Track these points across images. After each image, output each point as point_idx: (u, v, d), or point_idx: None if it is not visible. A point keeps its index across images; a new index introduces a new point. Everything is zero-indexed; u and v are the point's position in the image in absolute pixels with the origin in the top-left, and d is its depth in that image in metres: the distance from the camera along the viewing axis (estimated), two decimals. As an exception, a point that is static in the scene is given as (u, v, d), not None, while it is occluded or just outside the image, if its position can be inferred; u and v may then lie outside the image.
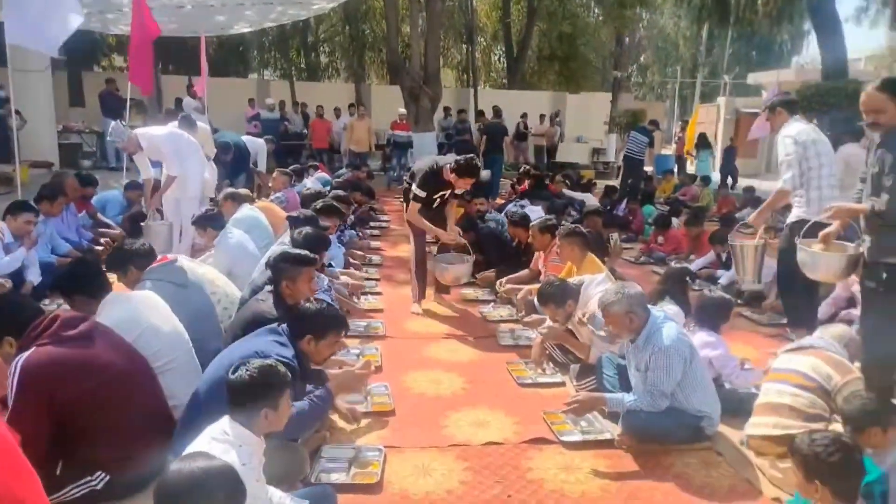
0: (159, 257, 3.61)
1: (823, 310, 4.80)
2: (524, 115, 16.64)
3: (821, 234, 3.44)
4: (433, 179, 4.88)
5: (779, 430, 2.81)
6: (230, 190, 6.00)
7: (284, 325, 2.73)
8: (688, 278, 3.84)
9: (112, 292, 3.01)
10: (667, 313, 3.18)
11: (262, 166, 9.25)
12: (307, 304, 2.77)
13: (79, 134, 13.47)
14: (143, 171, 6.20)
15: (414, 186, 4.88)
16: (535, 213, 6.98)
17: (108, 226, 6.67)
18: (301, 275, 3.25)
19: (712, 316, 3.58)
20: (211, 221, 4.73)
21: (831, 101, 11.15)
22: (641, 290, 3.11)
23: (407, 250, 7.29)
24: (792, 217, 4.26)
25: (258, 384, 2.10)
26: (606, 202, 9.50)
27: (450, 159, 4.91)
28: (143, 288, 3.35)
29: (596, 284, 3.83)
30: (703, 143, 15.01)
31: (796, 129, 4.24)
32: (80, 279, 3.06)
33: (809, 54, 31.96)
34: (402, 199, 5.29)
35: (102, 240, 6.27)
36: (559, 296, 3.82)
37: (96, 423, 2.43)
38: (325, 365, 3.23)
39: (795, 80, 15.69)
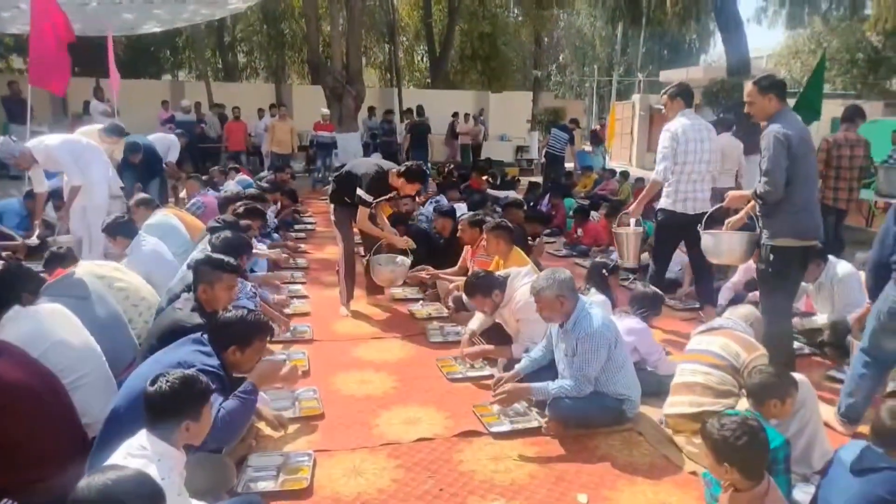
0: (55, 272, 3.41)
1: (724, 294, 5.16)
2: (455, 115, 16.77)
3: (727, 221, 3.74)
4: (379, 184, 4.86)
5: (694, 407, 2.97)
6: (141, 195, 5.74)
7: (205, 335, 2.64)
8: (605, 271, 4.00)
9: (15, 307, 2.81)
10: (593, 301, 3.31)
11: (174, 157, 8.93)
12: (227, 313, 2.68)
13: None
14: (36, 185, 5.83)
15: (360, 191, 4.82)
16: (461, 209, 7.05)
17: (8, 237, 6.24)
18: (220, 280, 3.16)
19: (645, 308, 3.77)
20: (121, 229, 4.50)
21: (735, 97, 11.85)
22: (570, 274, 3.21)
23: (333, 252, 7.25)
24: (660, 204, 4.81)
25: (179, 396, 2.03)
26: (530, 198, 9.72)
27: (392, 164, 4.97)
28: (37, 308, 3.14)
29: (522, 276, 3.93)
30: (596, 139, 15.81)
31: (677, 124, 4.62)
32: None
33: (716, 52, 33.82)
34: (327, 201, 5.20)
35: (4, 253, 5.85)
36: (486, 286, 3.89)
37: (2, 446, 2.28)
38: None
39: (703, 77, 16.53)
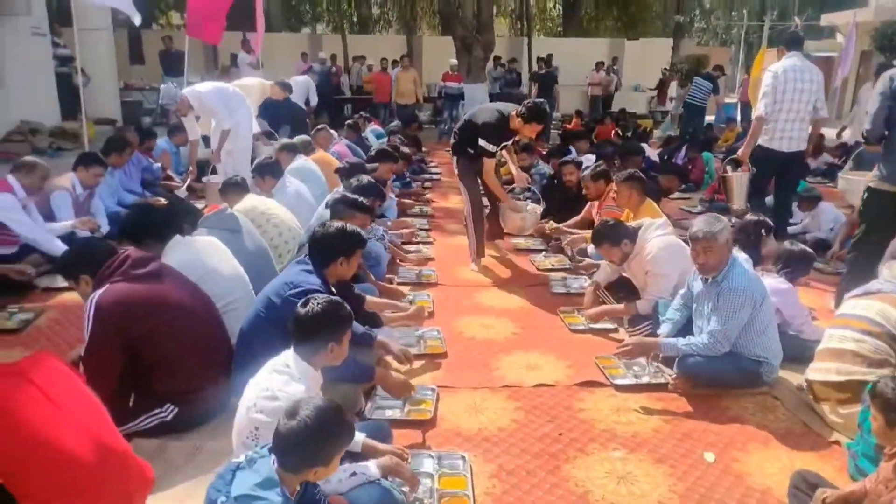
0: (210, 207, 3.72)
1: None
2: (601, 64, 15.95)
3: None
4: (500, 130, 4.66)
5: (842, 375, 2.73)
6: (285, 140, 6.10)
7: (306, 256, 2.80)
8: (763, 231, 3.71)
9: (175, 237, 3.11)
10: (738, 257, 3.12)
11: (313, 102, 10.06)
12: (330, 227, 2.81)
13: (139, 91, 13.88)
14: (190, 132, 6.48)
15: (482, 141, 4.63)
16: (590, 161, 6.82)
17: (169, 177, 6.89)
18: (354, 218, 3.31)
19: (794, 268, 3.50)
20: (269, 170, 4.82)
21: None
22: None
23: (458, 202, 7.34)
24: (758, 141, 5.08)
25: (329, 317, 2.15)
26: (665, 151, 9.18)
27: (511, 107, 4.71)
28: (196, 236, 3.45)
29: (655, 228, 3.75)
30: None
31: (779, 65, 5.02)
32: (144, 224, 3.18)
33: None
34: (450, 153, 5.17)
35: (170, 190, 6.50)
36: (615, 235, 3.76)
37: (166, 357, 2.55)
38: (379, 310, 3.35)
39: (874, 19, 14.55)
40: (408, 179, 7.84)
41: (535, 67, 14.87)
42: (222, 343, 2.84)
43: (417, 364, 3.33)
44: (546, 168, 6.99)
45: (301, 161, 5.61)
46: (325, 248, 2.77)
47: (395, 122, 10.47)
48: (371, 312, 3.33)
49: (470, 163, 4.90)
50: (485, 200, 5.14)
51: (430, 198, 7.68)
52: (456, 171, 5.06)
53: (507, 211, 5.12)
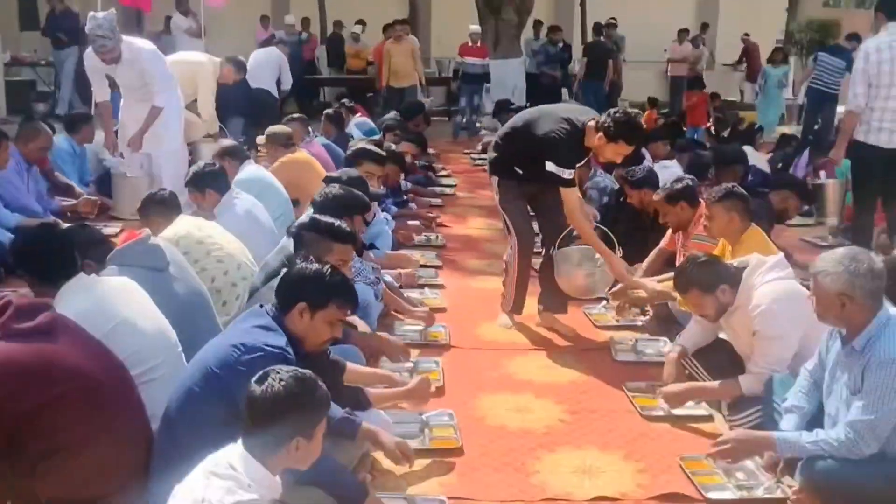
0: (124, 233, 3.75)
1: None
2: (685, 31, 16.10)
3: None
4: (571, 148, 4.55)
5: None
6: (226, 143, 6.20)
7: (269, 305, 2.82)
8: None
9: (77, 276, 3.12)
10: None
11: (287, 84, 10.43)
12: (307, 263, 2.87)
13: (32, 68, 14.14)
14: (97, 92, 6.80)
15: (551, 165, 4.49)
16: (671, 172, 6.82)
17: (68, 189, 6.98)
18: (330, 252, 3.31)
19: None
20: (212, 180, 4.84)
21: None
22: (882, 267, 3.01)
23: (480, 227, 7.36)
24: (854, 135, 5.55)
25: (294, 401, 2.15)
26: (780, 155, 9.19)
27: (584, 113, 4.68)
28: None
29: (767, 269, 3.71)
30: None
31: (871, 43, 5.38)
32: (30, 258, 3.20)
33: None
34: (476, 160, 5.21)
35: (68, 212, 6.59)
36: (706, 278, 3.72)
37: (56, 449, 2.53)
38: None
39: None
40: (406, 195, 7.87)
41: (590, 38, 15.05)
42: (137, 429, 2.83)
43: (420, 464, 3.30)
44: (608, 181, 6.97)
45: (252, 170, 5.69)
46: (294, 296, 2.78)
47: (392, 114, 10.60)
48: (353, 388, 3.31)
49: (519, 188, 4.86)
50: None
51: (442, 221, 7.73)
52: (497, 198, 4.97)
53: (563, 264, 4.82)
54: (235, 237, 4.42)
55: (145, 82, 6.53)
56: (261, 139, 7.14)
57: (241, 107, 8.75)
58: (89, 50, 6.55)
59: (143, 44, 6.72)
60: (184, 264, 3.85)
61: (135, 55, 6.47)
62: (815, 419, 3.23)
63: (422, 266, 6.05)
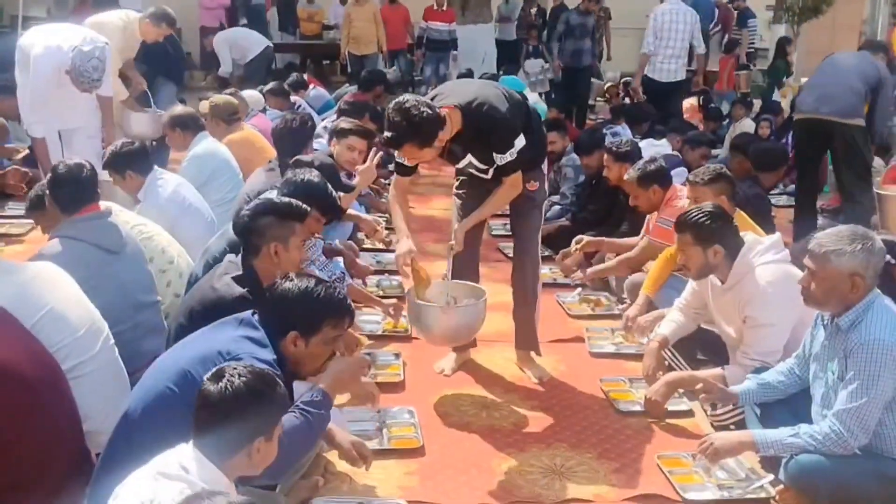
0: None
1: None
2: None
3: None
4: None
5: None
6: (179, 109, 6.04)
7: (257, 316, 2.78)
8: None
9: (-4, 261, 3.09)
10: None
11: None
12: (287, 283, 2.80)
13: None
14: (35, 123, 6.01)
15: (515, 146, 3.97)
16: (659, 151, 6.86)
17: None
18: (294, 235, 3.31)
19: None
20: (134, 161, 4.70)
21: None
22: (882, 246, 3.05)
23: (442, 206, 7.36)
24: None
25: (254, 400, 2.16)
26: (773, 131, 9.31)
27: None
28: (53, 250, 3.48)
29: (764, 251, 3.73)
30: None
31: None
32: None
33: None
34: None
35: None
36: (708, 230, 3.71)
37: None
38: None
39: None
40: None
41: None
42: (69, 428, 2.80)
43: (377, 465, 3.27)
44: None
45: (209, 145, 5.61)
46: (283, 325, 2.73)
47: (351, 87, 10.52)
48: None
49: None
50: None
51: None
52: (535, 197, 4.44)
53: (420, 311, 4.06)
54: (163, 222, 4.38)
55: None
56: (203, 105, 6.82)
57: (171, 69, 8.34)
58: (49, 67, 5.72)
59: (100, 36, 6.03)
60: (139, 248, 3.86)
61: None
62: (797, 407, 3.28)
63: (382, 250, 6.05)
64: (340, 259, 4.99)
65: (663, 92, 9.42)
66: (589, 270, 5.32)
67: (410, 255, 3.98)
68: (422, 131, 3.67)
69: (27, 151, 6.77)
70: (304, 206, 3.45)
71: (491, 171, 4.07)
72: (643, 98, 9.55)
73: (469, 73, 11.92)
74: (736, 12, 14.30)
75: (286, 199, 3.52)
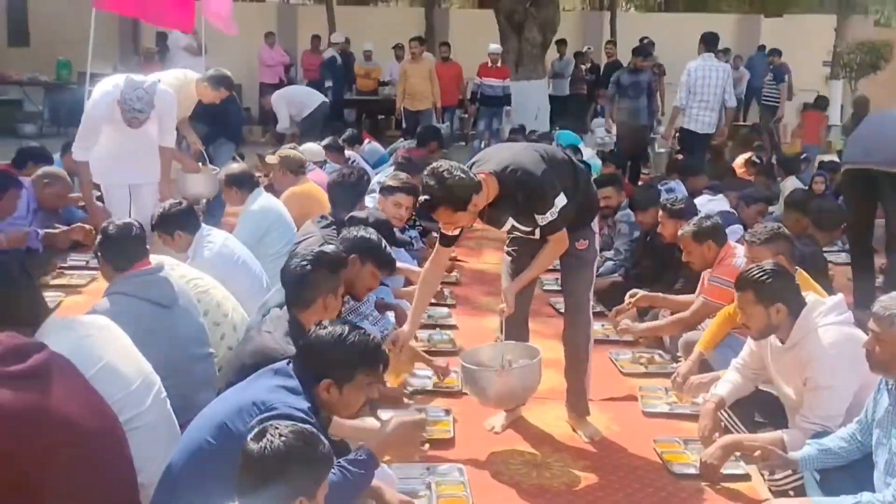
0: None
1: None
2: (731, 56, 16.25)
3: None
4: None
5: None
6: (234, 168, 6.14)
7: (292, 365, 2.80)
8: None
9: (51, 316, 3.09)
10: None
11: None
12: (321, 330, 2.81)
13: (19, 86, 14.36)
14: (80, 149, 6.15)
15: (556, 204, 3.97)
16: (714, 207, 6.81)
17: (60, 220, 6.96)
18: (341, 286, 3.35)
19: None
20: (182, 221, 4.78)
21: None
22: None
23: (495, 261, 7.37)
24: None
25: (296, 459, 2.17)
26: (828, 187, 9.15)
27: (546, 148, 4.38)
28: (105, 306, 3.55)
29: (828, 311, 3.67)
30: None
31: None
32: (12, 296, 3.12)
33: None
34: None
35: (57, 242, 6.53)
36: (771, 288, 3.65)
37: (43, 497, 2.49)
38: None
39: None
40: (417, 223, 7.81)
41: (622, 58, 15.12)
42: (124, 480, 2.81)
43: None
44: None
45: (265, 201, 5.74)
46: (316, 373, 2.74)
47: (405, 142, 10.66)
48: (338, 440, 3.30)
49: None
50: None
51: (455, 255, 7.71)
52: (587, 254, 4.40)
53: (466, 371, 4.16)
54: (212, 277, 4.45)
55: (155, 122, 6.18)
56: (271, 158, 6.99)
57: (231, 129, 8.66)
58: (105, 98, 5.94)
59: (168, 88, 6.27)
60: (193, 300, 3.94)
61: (160, 105, 6.07)
62: (859, 474, 3.21)
63: (433, 304, 6.05)
64: (392, 314, 5.00)
65: (700, 142, 9.95)
66: (641, 326, 5.27)
67: (401, 342, 4.05)
68: (455, 195, 3.73)
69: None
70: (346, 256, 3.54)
71: (537, 232, 4.09)
72: (677, 147, 10.41)
73: (521, 129, 12.08)
74: (771, 67, 14.44)
75: (336, 251, 3.59)
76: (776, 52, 15.00)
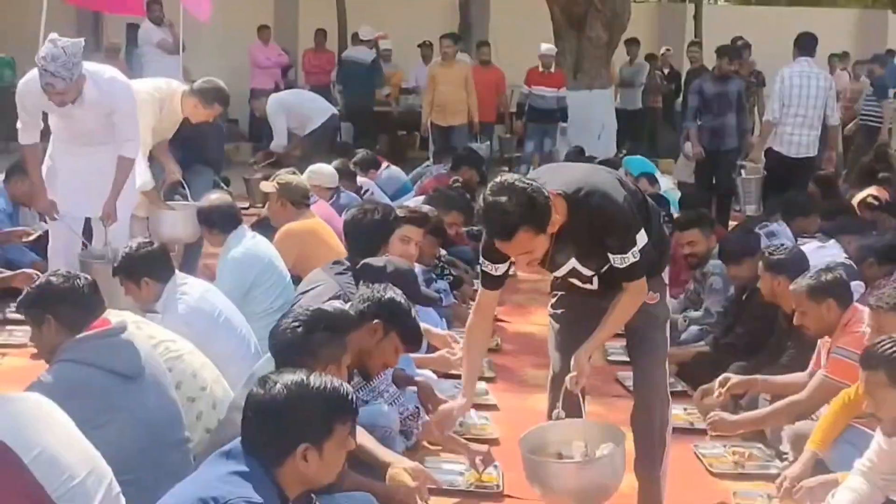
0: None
1: None
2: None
3: None
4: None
5: None
6: (209, 202, 6.10)
7: (238, 444, 2.80)
8: None
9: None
10: None
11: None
12: (271, 387, 2.77)
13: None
14: (25, 132, 6.40)
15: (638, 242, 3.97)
16: (827, 257, 6.75)
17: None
18: (346, 353, 3.37)
19: None
20: (149, 267, 4.83)
21: None
22: None
23: (546, 321, 7.31)
24: None
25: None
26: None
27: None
28: (52, 379, 3.57)
29: None
30: None
31: None
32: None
33: None
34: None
35: None
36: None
37: None
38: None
39: None
40: (446, 271, 7.80)
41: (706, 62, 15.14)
42: None
43: None
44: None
45: (251, 245, 5.73)
46: (290, 441, 2.74)
47: (433, 166, 10.62)
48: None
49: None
50: None
51: (497, 314, 7.68)
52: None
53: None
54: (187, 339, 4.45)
55: (110, 127, 6.30)
56: (266, 186, 6.99)
57: (209, 152, 8.55)
58: (32, 75, 6.16)
59: (115, 75, 6.41)
60: (161, 371, 3.92)
61: (104, 94, 6.20)
62: None
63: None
64: (414, 388, 4.98)
65: (792, 170, 9.93)
66: (738, 419, 5.12)
67: (454, 416, 4.07)
68: (538, 212, 3.59)
69: (39, 234, 7.14)
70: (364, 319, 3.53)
71: (596, 280, 4.04)
72: (763, 173, 10.18)
73: (580, 152, 11.91)
74: (870, 81, 14.44)
75: (343, 310, 3.57)
76: None
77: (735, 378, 5.18)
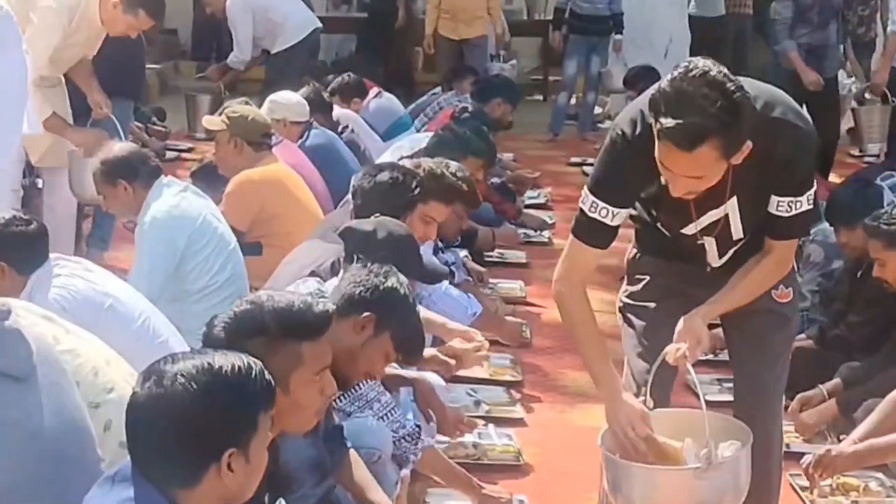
0: None
1: None
2: None
3: None
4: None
5: None
6: (116, 150, 6.06)
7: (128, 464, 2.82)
8: None
9: None
10: None
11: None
12: (160, 387, 2.72)
13: None
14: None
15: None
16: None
17: None
18: (302, 365, 3.34)
19: None
20: (26, 244, 4.80)
21: None
22: None
23: (596, 306, 7.30)
24: None
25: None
26: None
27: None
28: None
29: None
30: None
31: None
32: None
33: None
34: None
35: None
36: None
37: None
38: None
39: None
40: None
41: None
42: None
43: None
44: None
45: (176, 202, 5.67)
46: (213, 451, 2.73)
47: (443, 94, 10.65)
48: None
49: None
50: None
51: (525, 296, 7.79)
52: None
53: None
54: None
55: None
56: (211, 121, 6.95)
57: (126, 77, 8.47)
58: None
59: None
60: (58, 370, 3.88)
61: None
62: None
63: (480, 381, 6.05)
64: (407, 390, 4.98)
65: None
66: (859, 449, 5.03)
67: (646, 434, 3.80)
68: (739, 127, 3.48)
69: None
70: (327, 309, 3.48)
71: (732, 252, 4.01)
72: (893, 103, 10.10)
73: (644, 72, 11.89)
74: None
75: (303, 301, 3.52)
76: None
77: None
